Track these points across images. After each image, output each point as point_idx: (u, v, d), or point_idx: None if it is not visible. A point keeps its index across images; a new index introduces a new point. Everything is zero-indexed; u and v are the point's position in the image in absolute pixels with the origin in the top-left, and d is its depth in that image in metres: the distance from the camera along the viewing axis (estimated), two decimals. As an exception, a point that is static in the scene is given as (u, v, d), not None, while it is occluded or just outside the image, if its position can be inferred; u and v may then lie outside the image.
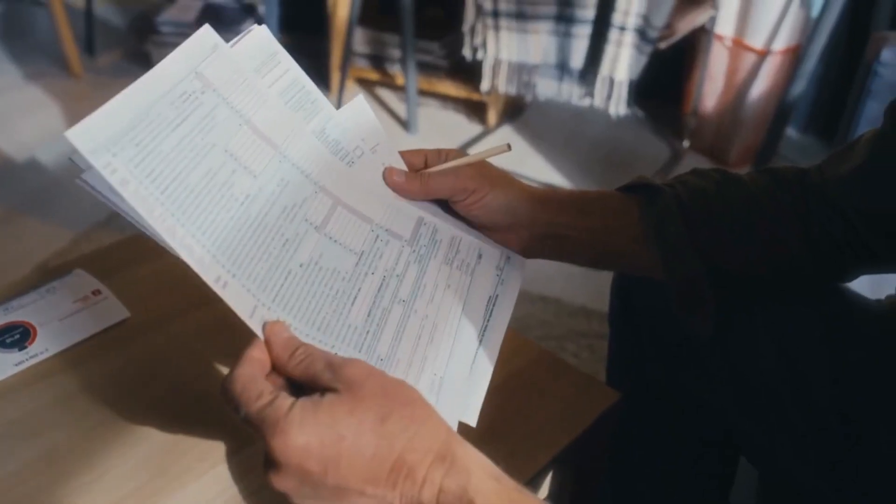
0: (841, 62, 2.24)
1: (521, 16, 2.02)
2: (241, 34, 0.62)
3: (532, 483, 0.69)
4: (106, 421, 0.68)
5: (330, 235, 0.60)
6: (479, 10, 2.08)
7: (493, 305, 0.67)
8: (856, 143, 0.70)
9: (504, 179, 0.69)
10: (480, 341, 0.64)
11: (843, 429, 0.68)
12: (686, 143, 2.35)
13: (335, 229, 0.61)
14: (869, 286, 0.79)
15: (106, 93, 0.50)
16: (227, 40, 0.59)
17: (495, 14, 2.05)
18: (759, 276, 0.71)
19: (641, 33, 1.96)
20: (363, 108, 0.69)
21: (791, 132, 2.38)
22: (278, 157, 0.59)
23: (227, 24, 2.54)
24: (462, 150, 0.71)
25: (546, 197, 0.70)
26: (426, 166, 0.69)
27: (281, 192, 0.58)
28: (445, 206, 0.70)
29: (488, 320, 0.66)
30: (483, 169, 0.69)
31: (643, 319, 0.82)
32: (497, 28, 2.07)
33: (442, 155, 0.70)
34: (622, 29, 1.95)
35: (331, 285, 0.59)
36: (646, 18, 1.94)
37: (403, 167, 0.69)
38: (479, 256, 0.69)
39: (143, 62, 2.66)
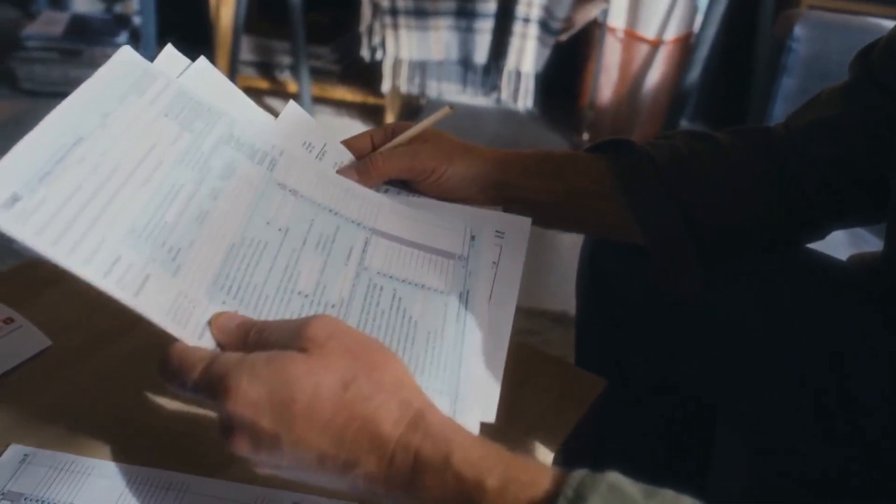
0: (721, 50, 2.31)
1: (420, 13, 1.98)
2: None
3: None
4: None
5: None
6: (377, 10, 2.02)
7: (496, 270, 0.62)
8: (816, 98, 0.72)
9: (461, 149, 0.67)
10: (490, 330, 0.59)
11: (838, 389, 0.66)
12: (585, 137, 2.37)
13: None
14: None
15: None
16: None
17: (393, 12, 1.99)
18: (733, 231, 0.70)
19: (544, 25, 1.95)
20: (297, 112, 0.65)
21: (682, 121, 2.44)
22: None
23: (99, 36, 2.37)
24: (405, 122, 0.68)
25: (509, 159, 0.68)
26: (374, 148, 0.67)
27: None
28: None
29: (491, 295, 0.60)
30: (439, 143, 0.66)
31: (616, 290, 0.78)
32: (396, 27, 2.01)
33: (388, 130, 0.67)
34: (526, 21, 1.94)
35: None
36: (548, 10, 1.94)
37: (350, 158, 0.66)
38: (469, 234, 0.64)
39: (7, 81, 2.46)
